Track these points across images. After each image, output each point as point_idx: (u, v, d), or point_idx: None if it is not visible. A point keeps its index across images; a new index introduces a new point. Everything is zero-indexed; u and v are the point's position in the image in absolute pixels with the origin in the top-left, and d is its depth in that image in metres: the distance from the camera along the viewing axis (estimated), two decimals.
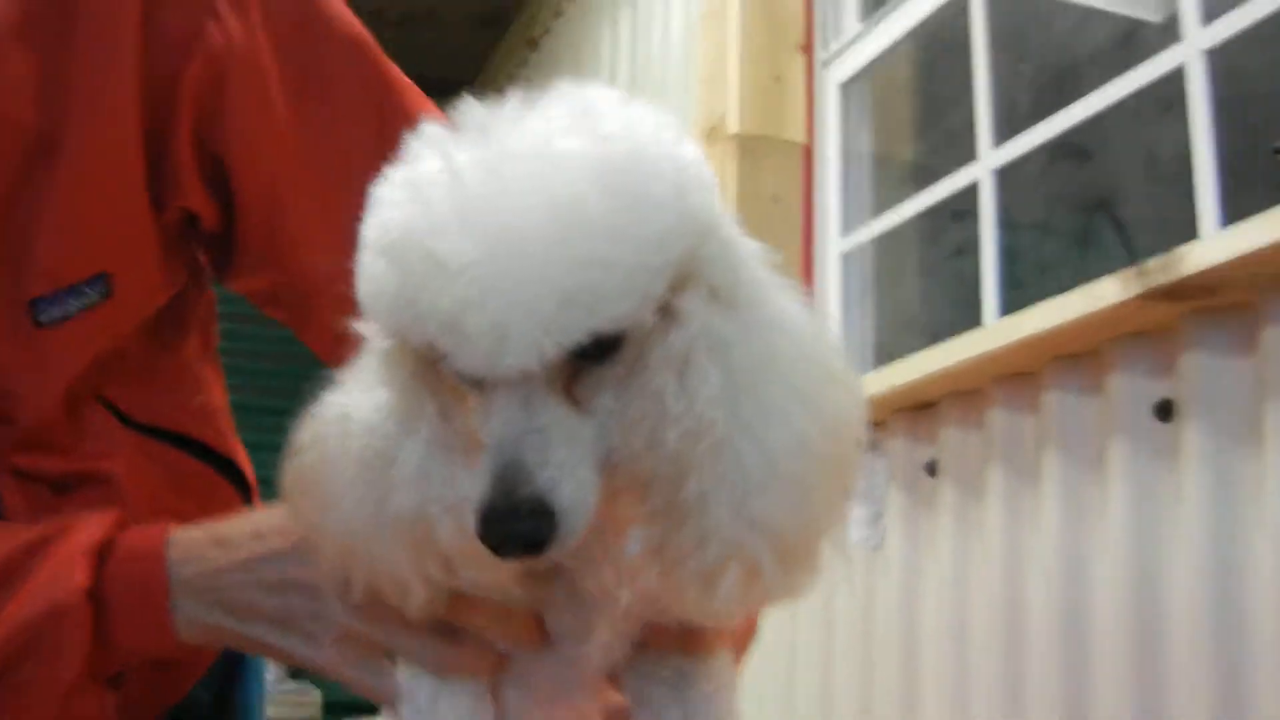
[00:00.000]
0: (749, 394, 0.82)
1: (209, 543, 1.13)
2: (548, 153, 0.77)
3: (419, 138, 0.83)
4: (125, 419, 1.39)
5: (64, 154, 1.23)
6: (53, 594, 1.11)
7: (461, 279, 0.76)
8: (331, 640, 1.08)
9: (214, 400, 1.54)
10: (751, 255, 0.87)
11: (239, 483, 1.53)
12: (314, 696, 4.56)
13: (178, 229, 1.38)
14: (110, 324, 1.31)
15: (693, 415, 0.81)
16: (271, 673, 3.58)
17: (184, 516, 1.41)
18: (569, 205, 0.75)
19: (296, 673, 4.55)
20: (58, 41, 1.23)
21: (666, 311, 0.82)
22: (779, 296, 0.87)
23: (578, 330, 0.76)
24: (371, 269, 0.81)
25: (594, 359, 0.80)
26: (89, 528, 1.15)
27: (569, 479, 0.79)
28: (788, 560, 0.82)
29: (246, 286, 1.43)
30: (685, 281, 0.82)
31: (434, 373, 0.88)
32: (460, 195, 0.77)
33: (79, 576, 1.11)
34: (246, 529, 1.13)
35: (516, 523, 0.77)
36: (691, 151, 0.83)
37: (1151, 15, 2.78)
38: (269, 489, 1.57)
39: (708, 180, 0.84)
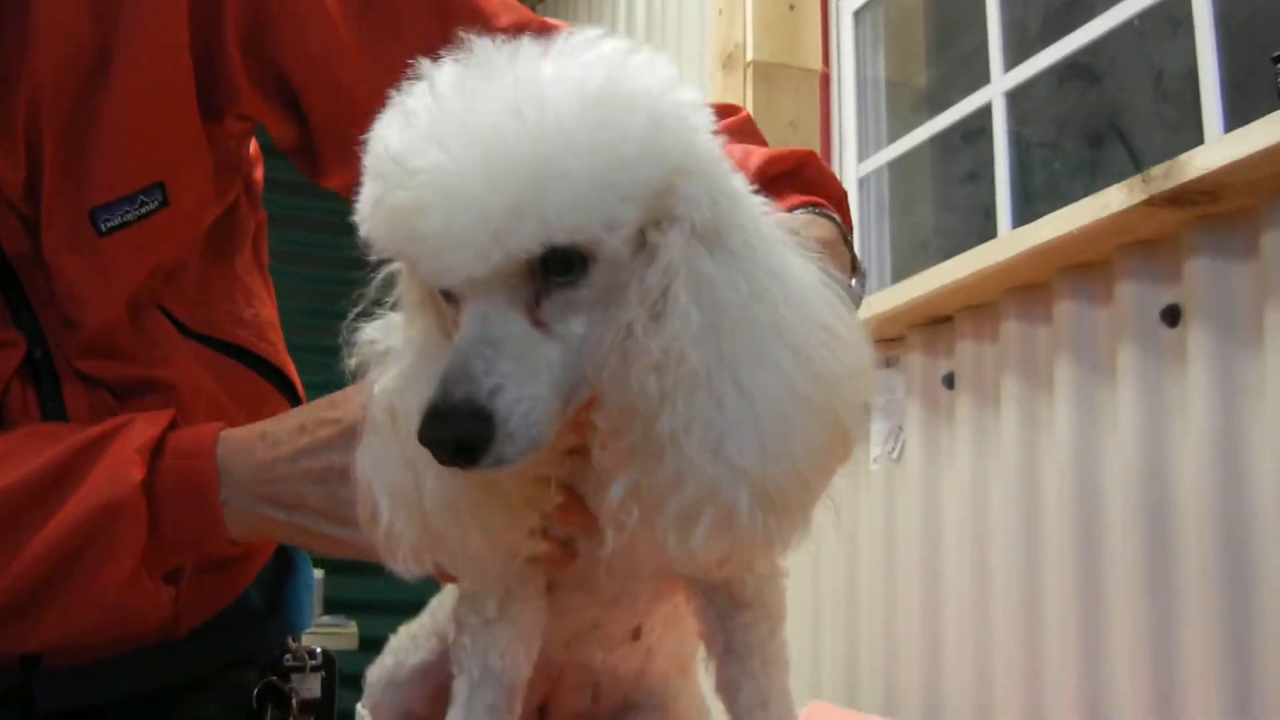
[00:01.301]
0: (732, 335, 0.82)
1: (256, 439, 1.17)
2: (524, 77, 0.80)
3: (420, 72, 0.85)
4: (183, 328, 1.44)
5: (117, 65, 1.26)
6: (109, 490, 1.15)
7: (419, 182, 0.79)
8: None
9: (265, 312, 1.59)
10: (751, 205, 0.89)
11: (289, 392, 1.59)
12: (351, 629, 4.58)
13: (236, 141, 1.43)
14: (168, 233, 1.35)
15: (665, 350, 0.81)
16: None
17: (237, 423, 1.48)
18: (533, 122, 0.78)
19: (333, 606, 4.59)
20: None
21: (646, 247, 0.83)
22: (780, 248, 0.87)
23: (527, 238, 0.78)
24: (364, 190, 0.85)
25: (561, 279, 0.81)
26: (144, 426, 1.19)
27: (514, 389, 0.79)
28: (767, 508, 0.82)
29: (336, 183, 1.46)
30: (666, 219, 0.83)
31: (433, 292, 0.91)
32: (437, 113, 0.81)
33: (134, 472, 1.15)
34: (291, 424, 1.16)
35: (451, 424, 0.78)
36: (686, 95, 0.85)
37: None
38: (315, 393, 1.64)
39: (696, 123, 0.86)
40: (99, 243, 1.30)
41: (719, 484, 0.81)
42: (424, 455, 0.85)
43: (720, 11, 3.60)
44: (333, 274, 4.29)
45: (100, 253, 1.30)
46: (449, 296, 0.87)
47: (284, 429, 1.18)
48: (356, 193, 1.14)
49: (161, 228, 1.34)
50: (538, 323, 0.82)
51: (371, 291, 0.98)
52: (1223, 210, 1.87)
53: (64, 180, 1.28)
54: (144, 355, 1.40)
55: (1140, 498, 1.98)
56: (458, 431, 0.79)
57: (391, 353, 0.97)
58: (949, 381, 2.50)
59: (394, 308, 0.99)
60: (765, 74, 3.39)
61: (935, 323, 2.57)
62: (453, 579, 1.06)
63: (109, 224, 1.30)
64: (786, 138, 3.35)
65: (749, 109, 3.28)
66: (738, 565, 0.93)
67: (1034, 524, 2.22)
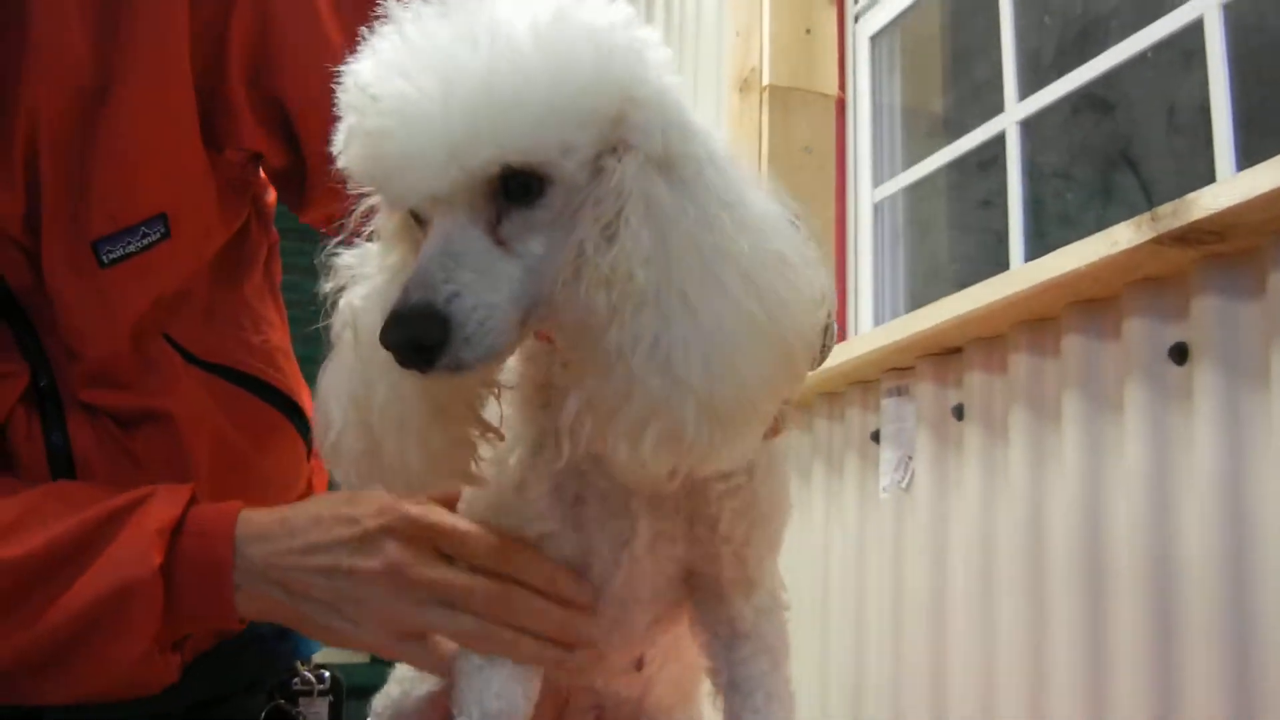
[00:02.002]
0: (680, 257, 0.87)
1: (275, 524, 1.21)
2: (484, 14, 0.86)
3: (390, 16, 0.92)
4: (189, 356, 1.45)
5: (117, 95, 1.28)
6: (128, 570, 1.18)
7: (384, 108, 0.85)
8: (375, 623, 1.17)
9: (275, 338, 1.60)
10: (706, 138, 0.94)
11: (299, 420, 1.60)
12: None
13: (240, 170, 1.44)
14: (171, 263, 1.36)
15: (613, 267, 0.87)
16: None
17: (243, 453, 1.49)
18: (487, 50, 0.84)
19: None
20: None
21: (602, 173, 0.89)
22: (735, 179, 0.93)
23: (483, 158, 0.85)
24: (340, 124, 0.92)
25: (520, 201, 0.88)
26: (165, 503, 1.22)
27: (471, 297, 0.85)
28: (712, 422, 0.87)
29: (316, 217, 1.49)
30: (620, 146, 0.89)
31: (409, 223, 0.98)
32: (400, 46, 0.88)
33: (153, 555, 1.18)
34: (310, 513, 1.21)
35: (409, 326, 0.84)
36: (641, 32, 0.92)
37: None
38: None
39: (649, 58, 0.92)
40: (101, 274, 1.32)
41: (666, 398, 0.86)
42: (379, 366, 0.94)
43: (738, 34, 3.61)
44: None
45: (102, 284, 1.32)
46: (420, 221, 0.93)
47: (302, 518, 1.22)
48: (340, 225, 1.18)
49: (164, 258, 1.36)
50: (498, 242, 0.88)
51: (351, 222, 1.05)
52: (1230, 250, 1.87)
53: (64, 212, 1.29)
54: (147, 385, 1.41)
55: (1146, 535, 1.97)
56: (415, 333, 0.84)
57: (365, 276, 1.03)
58: (959, 413, 2.50)
59: (371, 238, 1.05)
60: (781, 98, 3.40)
61: (945, 354, 2.57)
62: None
63: (111, 256, 1.32)
64: (802, 162, 3.36)
65: (765, 132, 3.30)
66: (686, 472, 0.94)
67: (1041, 556, 2.21)
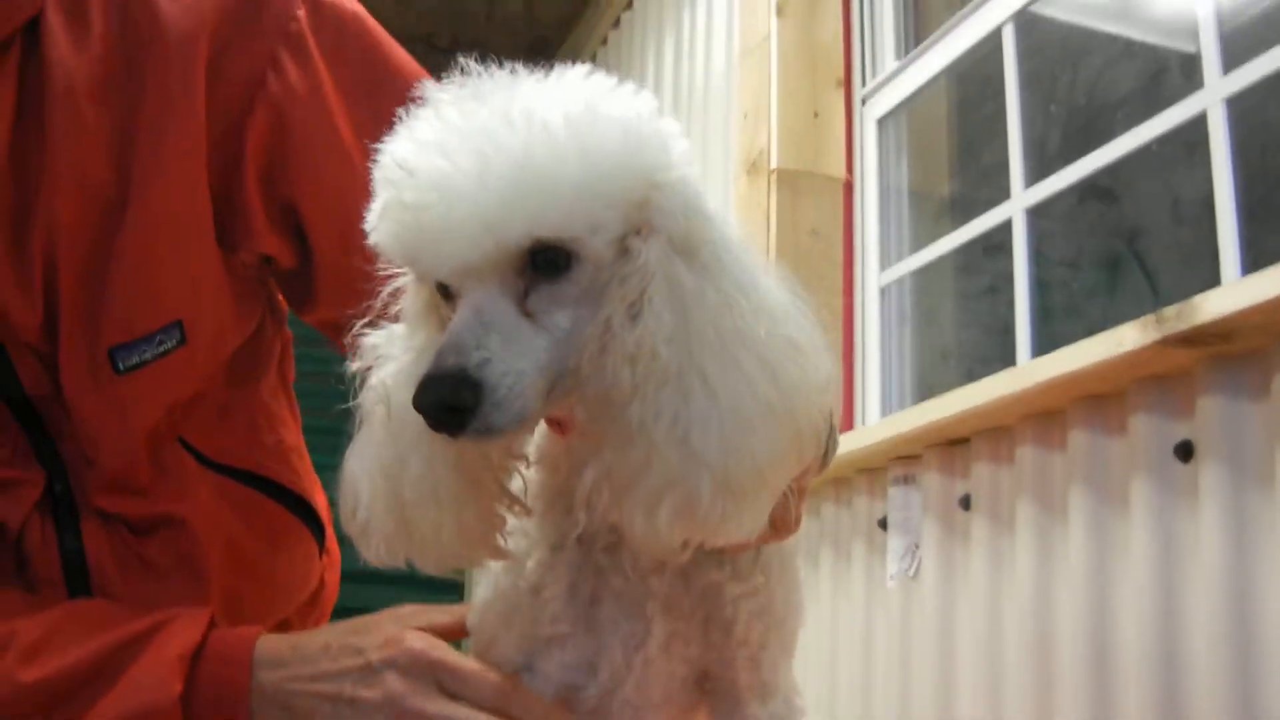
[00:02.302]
0: (700, 338, 0.91)
1: (288, 650, 1.23)
2: (519, 100, 0.91)
3: (425, 98, 0.97)
4: (202, 458, 1.46)
5: (135, 207, 1.28)
6: (148, 696, 1.20)
7: (421, 182, 0.89)
8: None
9: (289, 437, 1.60)
10: (724, 226, 0.98)
11: (311, 520, 1.61)
12: None
13: (252, 272, 1.45)
14: (186, 369, 1.37)
15: (638, 344, 0.90)
16: None
17: (256, 556, 1.50)
18: (523, 131, 0.89)
19: None
20: (129, 99, 1.29)
21: (627, 254, 0.93)
22: (750, 266, 0.97)
23: (517, 232, 0.89)
24: (374, 201, 0.96)
25: (548, 275, 0.92)
26: (185, 629, 1.24)
27: (501, 363, 0.88)
28: (725, 495, 0.90)
29: (319, 319, 1.50)
30: (645, 228, 0.93)
31: (436, 302, 1.01)
32: (438, 126, 0.92)
33: (174, 682, 1.20)
34: (320, 642, 1.23)
35: (441, 389, 0.87)
36: (666, 125, 0.97)
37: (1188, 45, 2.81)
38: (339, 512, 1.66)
39: (672, 148, 0.97)
40: (117, 382, 1.32)
41: (683, 471, 0.89)
42: (411, 440, 0.98)
43: (746, 116, 3.64)
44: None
45: (118, 391, 1.33)
46: (448, 297, 0.96)
47: (313, 646, 1.24)
48: (342, 328, 1.21)
49: (180, 365, 1.36)
50: (526, 314, 0.92)
51: (378, 304, 1.08)
52: (1236, 350, 1.88)
53: (81, 321, 1.30)
54: (162, 491, 1.42)
55: (1153, 632, 1.97)
56: (447, 396, 0.87)
57: (392, 357, 1.06)
58: (965, 503, 2.51)
59: (399, 319, 1.08)
60: (789, 181, 3.43)
61: (953, 443, 2.58)
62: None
63: (127, 363, 1.32)
64: (810, 245, 3.38)
65: (773, 215, 3.32)
66: (697, 544, 0.98)
67: (1047, 648, 2.22)
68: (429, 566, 1.07)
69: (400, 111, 0.99)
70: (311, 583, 1.66)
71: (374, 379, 1.06)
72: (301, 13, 1.40)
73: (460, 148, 0.90)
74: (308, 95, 1.39)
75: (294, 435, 1.65)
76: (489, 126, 0.90)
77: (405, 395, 0.98)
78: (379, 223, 0.96)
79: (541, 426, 1.10)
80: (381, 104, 1.43)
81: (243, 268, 1.43)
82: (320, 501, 1.65)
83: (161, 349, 1.34)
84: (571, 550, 1.09)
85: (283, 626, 1.61)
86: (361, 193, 1.41)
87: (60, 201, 1.28)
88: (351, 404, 1.10)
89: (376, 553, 1.07)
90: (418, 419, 0.94)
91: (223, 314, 1.42)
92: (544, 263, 0.92)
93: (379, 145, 1.41)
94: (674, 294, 0.92)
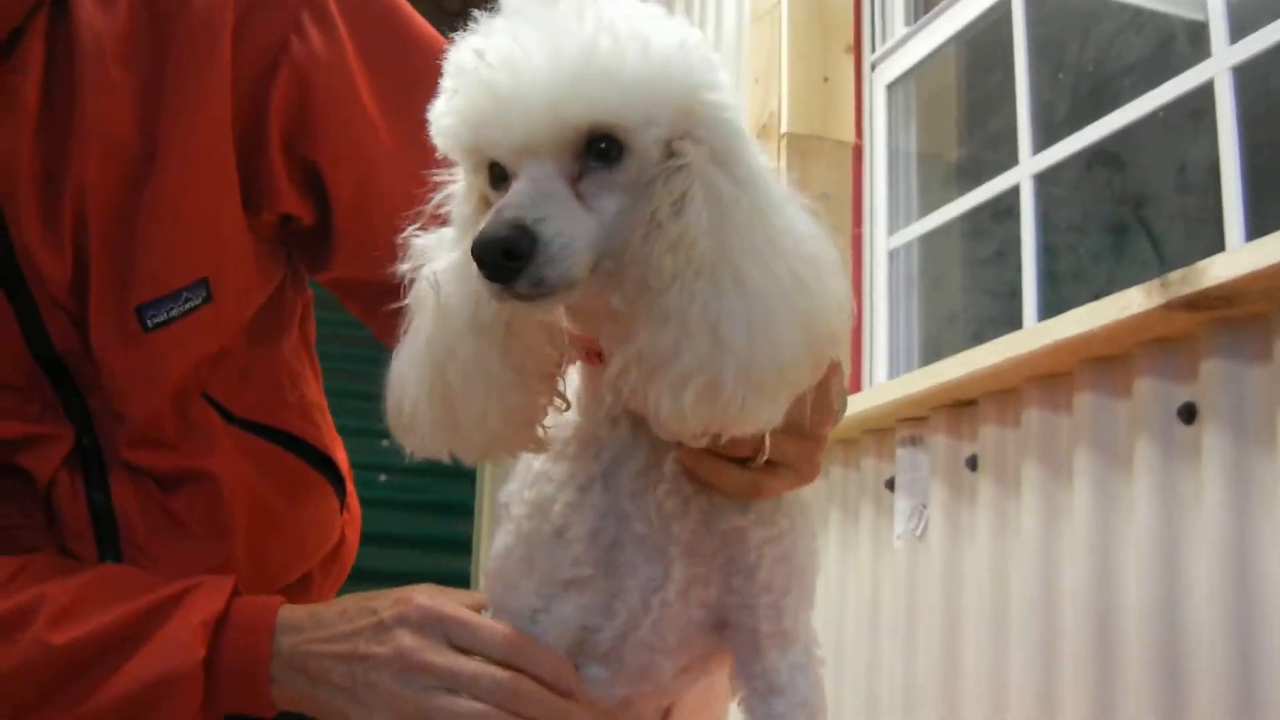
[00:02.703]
0: (735, 237, 0.98)
1: (306, 617, 1.27)
2: (589, 7, 0.98)
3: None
4: (228, 415, 1.49)
5: (162, 166, 1.32)
6: (172, 661, 1.24)
7: (492, 59, 0.96)
8: (385, 708, 1.21)
9: (310, 395, 1.63)
10: (757, 156, 1.05)
11: (334, 476, 1.64)
12: None
13: (273, 231, 1.48)
14: (212, 326, 1.40)
15: (680, 234, 0.97)
16: None
17: (279, 510, 1.53)
18: (593, 28, 0.96)
19: None
20: (154, 60, 1.33)
21: (673, 157, 1.00)
22: (778, 193, 1.04)
23: (578, 113, 0.96)
24: (440, 96, 1.03)
25: (600, 164, 0.98)
26: (209, 596, 1.28)
27: (556, 225, 0.94)
28: (747, 385, 0.96)
29: (333, 278, 1.53)
30: (689, 137, 1.00)
31: (487, 205, 1.06)
32: (506, 21, 0.99)
33: (198, 647, 1.24)
34: (338, 607, 1.27)
35: (499, 234, 0.93)
36: (714, 55, 1.04)
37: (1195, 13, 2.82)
38: (360, 474, 1.69)
39: (720, 79, 1.04)
40: (144, 338, 1.35)
41: (710, 357, 0.95)
42: (461, 331, 1.05)
43: (756, 81, 3.64)
44: (379, 354, 4.36)
45: (146, 348, 1.36)
46: (501, 186, 1.02)
47: (331, 611, 1.28)
48: (353, 288, 1.22)
49: (206, 322, 1.39)
50: (578, 195, 0.98)
51: (429, 208, 1.14)
52: (1239, 314, 1.91)
53: (109, 278, 1.33)
54: (188, 446, 1.44)
55: (1155, 591, 2.01)
56: (505, 239, 0.92)
57: (442, 256, 1.11)
58: (972, 464, 2.54)
59: (449, 223, 1.14)
60: (799, 145, 3.44)
61: (960, 405, 2.61)
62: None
63: (154, 320, 1.35)
64: (819, 208, 3.38)
65: (783, 178, 3.32)
66: (716, 432, 1.02)
67: (1052, 607, 2.25)
68: (471, 455, 1.12)
69: (417, 72, 1.04)
70: (333, 537, 1.69)
71: (425, 270, 1.10)
72: None
73: (531, 36, 0.96)
74: (330, 58, 1.42)
75: (316, 392, 1.67)
76: (559, 22, 0.96)
77: (455, 287, 1.06)
78: (446, 104, 1.02)
79: (574, 376, 1.16)
80: (401, 69, 1.46)
81: (264, 227, 1.45)
82: (340, 457, 1.68)
83: (188, 306, 1.37)
84: (598, 494, 1.13)
85: (304, 580, 1.64)
86: (380, 155, 1.44)
87: (88, 160, 1.31)
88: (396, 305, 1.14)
89: (420, 444, 1.11)
90: (466, 308, 1.04)
91: (247, 272, 1.45)
92: (597, 152, 0.98)
93: (397, 112, 1.45)
94: (713, 196, 0.98)
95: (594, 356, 1.11)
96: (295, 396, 1.61)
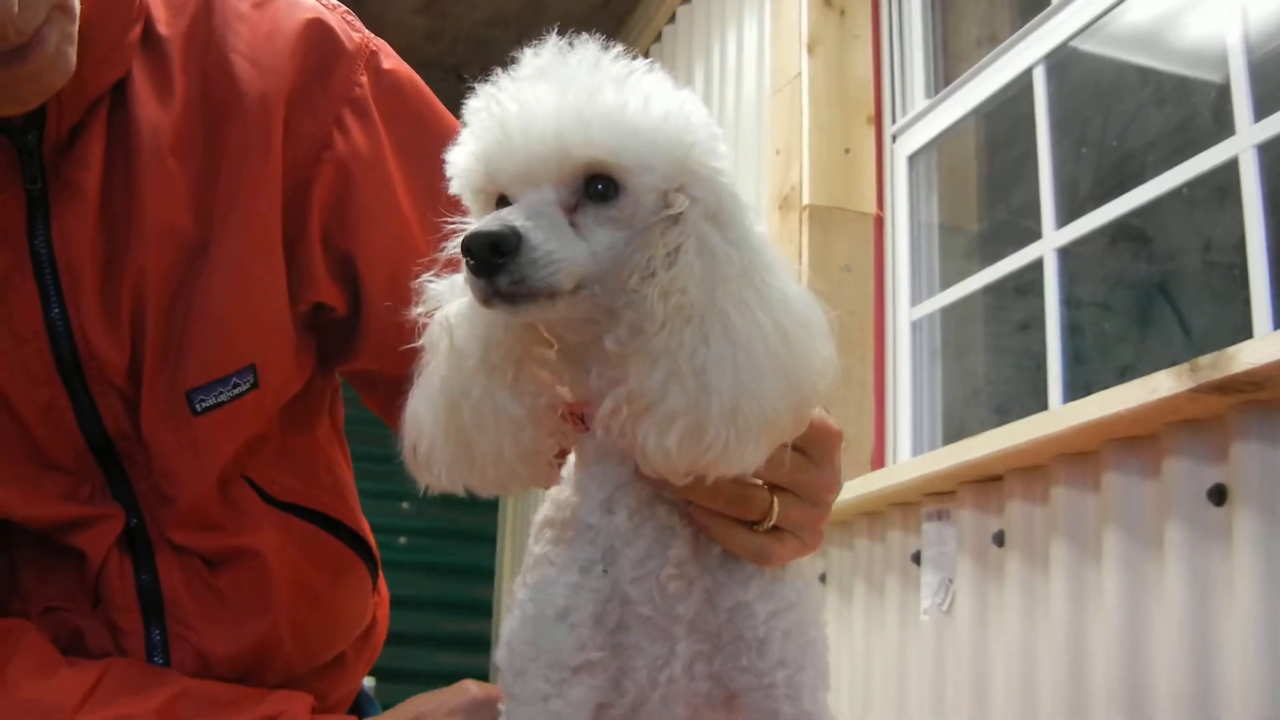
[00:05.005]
0: (725, 290, 1.02)
1: None
2: (599, 58, 1.04)
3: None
4: (267, 497, 1.52)
5: (215, 255, 1.37)
6: None
7: (506, 99, 1.02)
8: None
9: (343, 477, 1.66)
10: (756, 225, 1.09)
11: (365, 554, 1.66)
12: None
13: (307, 319, 1.51)
14: (258, 411, 1.44)
15: (672, 281, 1.01)
16: None
17: (319, 589, 1.56)
18: (600, 78, 1.02)
19: None
20: (209, 152, 1.38)
21: (668, 208, 1.04)
22: (770, 257, 1.07)
23: (579, 148, 1.00)
24: (456, 148, 1.08)
25: (596, 200, 1.03)
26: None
27: (543, 235, 0.99)
28: (731, 429, 0.99)
29: (355, 369, 1.56)
30: (685, 193, 1.05)
31: None
32: (520, 73, 1.04)
33: None
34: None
35: (487, 228, 0.98)
36: (704, 113, 1.08)
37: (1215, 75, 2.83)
38: (382, 537, 1.72)
39: (719, 148, 1.09)
40: (193, 422, 1.39)
41: (696, 400, 0.99)
42: (472, 371, 1.10)
43: (778, 153, 3.67)
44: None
45: (194, 431, 1.40)
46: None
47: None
48: (374, 380, 1.37)
49: (251, 407, 1.43)
50: (572, 224, 1.02)
51: (442, 255, 1.17)
52: (1269, 398, 1.92)
53: (163, 362, 1.37)
54: (233, 525, 1.48)
55: (1186, 671, 2.01)
56: (493, 233, 0.97)
57: (455, 299, 1.16)
58: (999, 539, 2.54)
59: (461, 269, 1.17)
60: (821, 217, 3.47)
61: (987, 481, 2.62)
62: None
63: (203, 404, 1.40)
64: (842, 279, 3.42)
65: (805, 250, 3.36)
66: (701, 472, 1.05)
67: (1081, 687, 2.25)
68: (488, 489, 1.14)
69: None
70: (367, 617, 1.71)
71: (438, 315, 1.14)
72: (365, 79, 1.49)
73: (541, 81, 1.02)
74: (370, 156, 1.47)
75: (347, 474, 1.70)
76: (570, 74, 1.02)
77: (466, 329, 1.11)
78: (461, 144, 1.07)
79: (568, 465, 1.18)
80: (433, 165, 1.50)
81: (301, 315, 1.48)
82: (371, 539, 1.70)
83: (236, 391, 1.41)
84: (598, 577, 1.14)
85: (339, 660, 1.66)
86: (413, 251, 1.48)
87: (147, 248, 1.35)
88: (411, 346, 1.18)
89: (438, 479, 1.13)
90: (478, 349, 1.09)
91: (289, 359, 1.48)
92: (594, 192, 1.02)
93: (431, 211, 1.49)
94: (706, 250, 1.03)
95: (579, 421, 1.14)
96: (329, 479, 1.63)
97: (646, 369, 1.00)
